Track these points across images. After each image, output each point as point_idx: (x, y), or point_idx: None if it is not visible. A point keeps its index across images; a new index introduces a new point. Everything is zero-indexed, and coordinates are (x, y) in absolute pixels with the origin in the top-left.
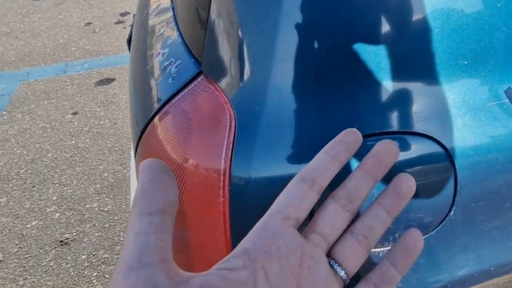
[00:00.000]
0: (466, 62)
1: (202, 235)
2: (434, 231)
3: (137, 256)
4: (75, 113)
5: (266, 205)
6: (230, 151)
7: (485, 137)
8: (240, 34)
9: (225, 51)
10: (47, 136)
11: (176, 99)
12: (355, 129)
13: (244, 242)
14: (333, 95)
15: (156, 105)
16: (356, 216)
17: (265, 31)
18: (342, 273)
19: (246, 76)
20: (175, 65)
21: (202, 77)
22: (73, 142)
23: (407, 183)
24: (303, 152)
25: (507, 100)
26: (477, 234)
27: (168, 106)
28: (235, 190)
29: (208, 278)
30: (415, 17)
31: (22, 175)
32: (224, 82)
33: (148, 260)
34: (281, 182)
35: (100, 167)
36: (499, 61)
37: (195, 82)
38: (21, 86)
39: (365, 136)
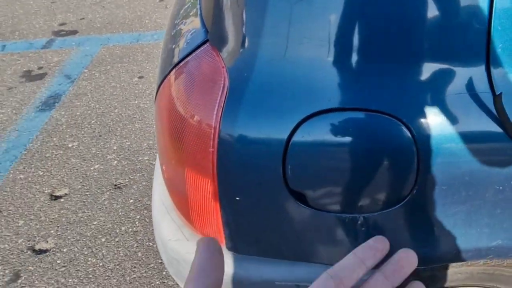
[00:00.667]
0: (441, 52)
1: (195, 178)
2: (397, 206)
3: None
4: (141, 77)
5: (247, 160)
6: (221, 109)
7: (453, 126)
8: (239, 7)
9: (227, 23)
10: (116, 95)
11: (185, 61)
12: (383, 237)
13: None
14: (309, 68)
15: (171, 65)
16: None
17: (261, 5)
18: None
19: (241, 45)
20: (190, 33)
21: (208, 44)
22: (136, 102)
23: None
24: (277, 117)
25: (479, 92)
26: (440, 216)
27: (178, 67)
28: (223, 143)
29: None
30: (391, 5)
31: (93, 125)
32: (223, 49)
33: None
34: (260, 142)
35: (154, 126)
36: (472, 53)
37: (201, 48)
38: (102, 49)
39: (335, 110)
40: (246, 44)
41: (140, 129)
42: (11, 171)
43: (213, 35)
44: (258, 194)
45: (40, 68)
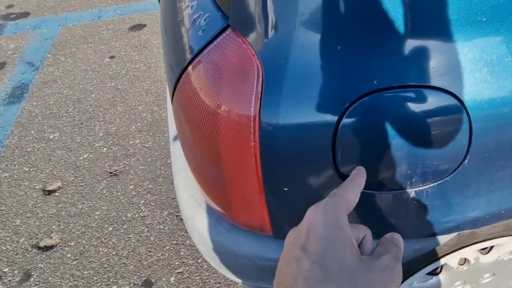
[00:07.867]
0: (484, 19)
1: (236, 174)
2: (448, 177)
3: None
4: (112, 57)
5: (293, 149)
6: (259, 100)
7: (501, 91)
8: None
9: (251, 5)
10: (89, 78)
11: (207, 50)
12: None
13: None
14: (354, 50)
15: (189, 56)
16: None
17: None
18: None
19: (272, 30)
20: (203, 18)
21: (230, 30)
22: (113, 84)
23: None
24: (325, 102)
25: None
26: (489, 180)
27: (199, 57)
28: (265, 135)
29: None
30: None
31: (71, 113)
32: (251, 36)
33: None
34: (306, 129)
35: (139, 107)
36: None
37: (224, 35)
38: (61, 30)
39: (384, 89)
40: (278, 29)
41: (124, 112)
42: None
43: (236, 20)
44: (306, 182)
45: None
